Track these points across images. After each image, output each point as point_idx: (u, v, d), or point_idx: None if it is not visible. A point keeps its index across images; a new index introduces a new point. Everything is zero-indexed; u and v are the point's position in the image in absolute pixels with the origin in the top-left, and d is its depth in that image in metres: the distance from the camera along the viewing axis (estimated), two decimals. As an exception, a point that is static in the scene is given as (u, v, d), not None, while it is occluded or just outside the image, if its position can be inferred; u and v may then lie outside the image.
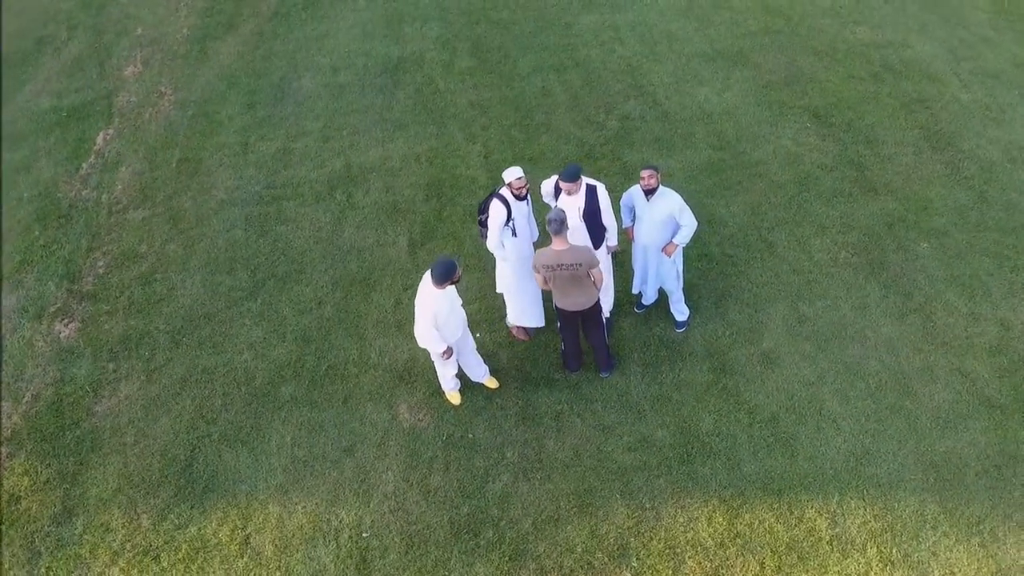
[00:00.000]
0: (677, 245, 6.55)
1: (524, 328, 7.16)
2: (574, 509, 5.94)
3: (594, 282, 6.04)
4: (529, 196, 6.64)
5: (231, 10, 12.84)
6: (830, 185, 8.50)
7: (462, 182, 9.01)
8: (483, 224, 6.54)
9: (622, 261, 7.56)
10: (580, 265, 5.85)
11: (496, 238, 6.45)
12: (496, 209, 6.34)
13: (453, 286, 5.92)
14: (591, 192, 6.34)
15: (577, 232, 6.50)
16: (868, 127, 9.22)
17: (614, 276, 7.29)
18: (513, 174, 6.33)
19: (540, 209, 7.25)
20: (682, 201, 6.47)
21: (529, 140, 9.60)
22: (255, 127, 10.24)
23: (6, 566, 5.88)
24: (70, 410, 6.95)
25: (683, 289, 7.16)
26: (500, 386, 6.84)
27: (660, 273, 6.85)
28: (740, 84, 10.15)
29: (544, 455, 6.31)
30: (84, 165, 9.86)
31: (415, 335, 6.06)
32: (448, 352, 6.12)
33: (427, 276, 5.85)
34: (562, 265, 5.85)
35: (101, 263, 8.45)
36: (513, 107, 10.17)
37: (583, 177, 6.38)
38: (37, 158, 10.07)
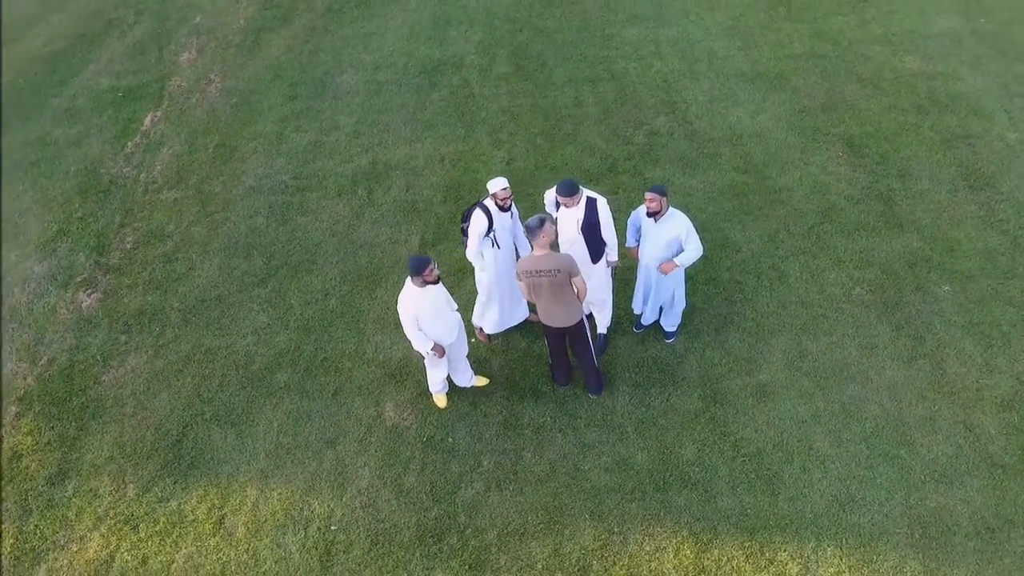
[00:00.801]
0: (676, 265, 6.30)
1: (485, 332, 7.09)
2: (541, 525, 5.78)
3: (577, 294, 5.86)
4: (515, 208, 6.51)
5: (288, 4, 13.07)
6: (854, 218, 8.09)
7: (481, 187, 8.90)
8: (464, 232, 6.45)
9: (627, 279, 7.34)
10: (558, 271, 5.66)
11: (475, 248, 6.35)
12: (477, 219, 6.24)
13: (436, 286, 5.81)
14: (591, 205, 6.16)
15: (575, 245, 6.34)
16: (903, 160, 8.75)
17: (616, 293, 7.10)
18: (497, 184, 6.19)
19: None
20: (690, 225, 6.22)
21: (553, 149, 9.45)
22: (292, 118, 10.37)
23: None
24: (79, 377, 7.14)
25: (683, 312, 6.93)
26: (489, 383, 6.75)
27: (659, 294, 6.63)
28: (775, 107, 9.78)
29: (520, 467, 6.17)
30: (129, 144, 10.15)
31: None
32: (438, 351, 6.04)
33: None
34: (540, 271, 5.69)
35: (130, 239, 8.68)
36: (543, 115, 10.04)
37: (584, 190, 6.21)
38: (89, 134, 10.41)
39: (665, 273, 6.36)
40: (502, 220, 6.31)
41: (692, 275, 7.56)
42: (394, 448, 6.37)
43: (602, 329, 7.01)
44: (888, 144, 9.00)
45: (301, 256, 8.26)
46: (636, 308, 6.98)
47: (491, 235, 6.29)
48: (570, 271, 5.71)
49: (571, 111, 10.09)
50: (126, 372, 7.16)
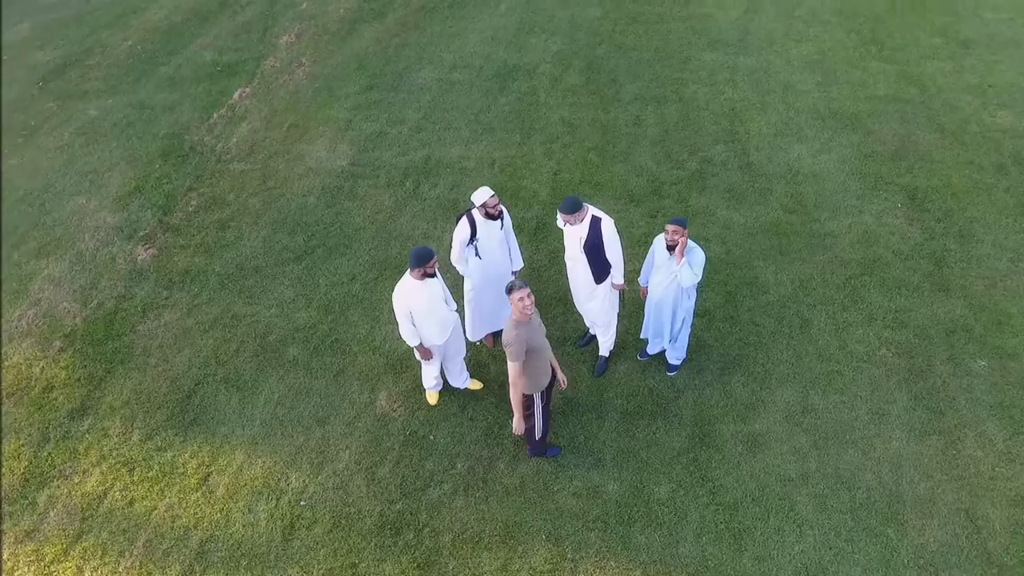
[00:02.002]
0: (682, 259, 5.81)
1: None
2: (497, 537, 5.62)
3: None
4: (507, 216, 6.31)
5: (387, -1, 13.34)
6: (898, 274, 7.42)
7: (523, 194, 8.78)
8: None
9: (640, 303, 7.02)
10: (506, 345, 5.17)
11: (457, 254, 6.23)
12: (460, 227, 6.11)
13: (434, 281, 5.71)
14: (595, 224, 5.90)
15: (578, 264, 6.12)
16: (967, 221, 7.95)
17: (625, 318, 6.81)
18: (482, 196, 6.00)
19: (553, 235, 6.91)
20: (702, 256, 5.85)
21: (603, 166, 9.18)
22: (364, 107, 10.56)
23: (21, 442, 6.48)
24: (119, 324, 7.54)
25: (690, 347, 6.57)
26: (482, 388, 6.64)
27: (667, 319, 6.27)
28: (841, 148, 9.11)
29: (491, 476, 6.02)
30: (215, 115, 10.62)
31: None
32: (422, 351, 5.98)
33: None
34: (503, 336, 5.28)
35: (194, 203, 9.08)
36: (601, 130, 9.77)
37: (591, 208, 5.96)
38: (183, 102, 10.97)
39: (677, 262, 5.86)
40: (489, 229, 6.14)
41: (710, 310, 7.16)
42: (377, 436, 6.37)
43: (603, 352, 6.74)
44: (955, 201, 8.21)
45: (339, 239, 8.40)
46: (643, 333, 6.66)
47: (474, 244, 6.15)
48: (507, 352, 5.17)
49: (630, 129, 9.78)
50: (159, 325, 7.49)
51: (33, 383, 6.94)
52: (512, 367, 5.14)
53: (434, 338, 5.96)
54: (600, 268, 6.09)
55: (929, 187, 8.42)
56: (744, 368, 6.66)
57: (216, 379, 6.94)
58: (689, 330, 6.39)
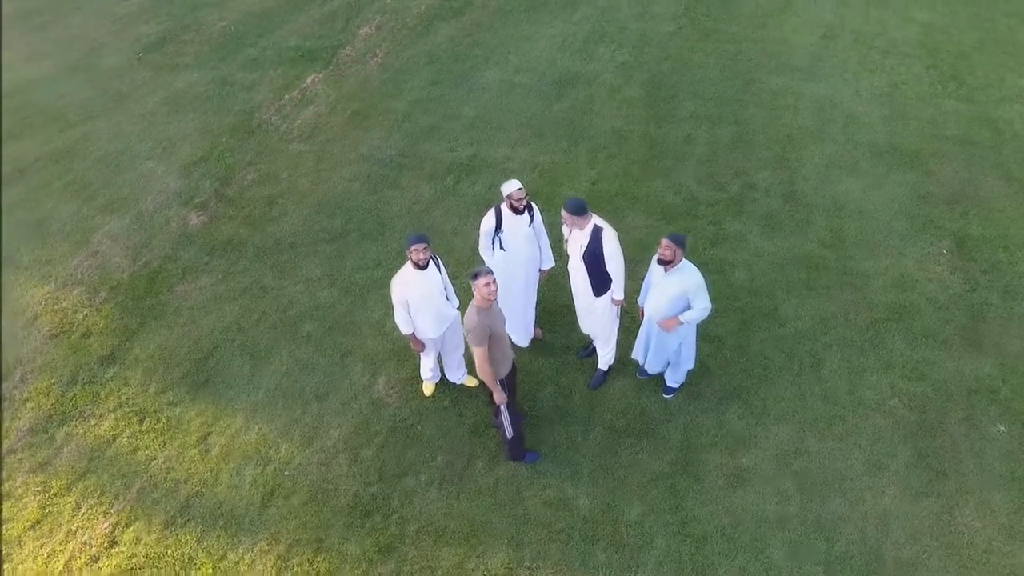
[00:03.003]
0: (680, 322, 5.68)
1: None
2: (461, 534, 5.54)
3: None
4: (536, 212, 6.18)
5: (466, -1, 13.41)
6: (929, 324, 6.86)
7: (557, 200, 8.61)
8: None
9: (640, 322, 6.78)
10: (467, 332, 5.11)
11: (483, 243, 6.21)
12: (487, 217, 6.07)
13: (429, 272, 5.65)
14: (596, 234, 5.71)
15: (578, 273, 5.95)
16: (1017, 276, 7.26)
17: (622, 332, 6.58)
18: (510, 187, 5.90)
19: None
20: (701, 281, 5.57)
21: (643, 180, 8.91)
22: (424, 102, 10.65)
23: (53, 381, 6.89)
24: (160, 282, 7.89)
25: (692, 372, 6.29)
26: (477, 386, 6.57)
27: (661, 348, 6.03)
28: (895, 186, 8.50)
29: (468, 473, 5.95)
30: (286, 97, 10.96)
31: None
32: (415, 342, 5.97)
33: None
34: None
35: (249, 177, 9.40)
36: (649, 145, 9.49)
37: (594, 217, 5.77)
38: (260, 83, 11.37)
39: (666, 330, 5.77)
40: (514, 223, 6.04)
41: (720, 337, 6.83)
42: (368, 419, 6.40)
43: (602, 365, 6.53)
44: (1006, 254, 7.51)
45: (373, 225, 8.50)
46: (634, 355, 6.41)
47: (498, 236, 6.08)
48: (468, 338, 5.12)
49: (679, 147, 9.45)
50: (194, 288, 7.79)
51: (75, 328, 7.36)
52: (477, 352, 5.07)
53: (428, 331, 5.94)
54: (599, 280, 5.90)
55: (982, 236, 7.74)
56: (743, 400, 6.31)
57: (233, 345, 7.16)
58: (693, 354, 6.11)
